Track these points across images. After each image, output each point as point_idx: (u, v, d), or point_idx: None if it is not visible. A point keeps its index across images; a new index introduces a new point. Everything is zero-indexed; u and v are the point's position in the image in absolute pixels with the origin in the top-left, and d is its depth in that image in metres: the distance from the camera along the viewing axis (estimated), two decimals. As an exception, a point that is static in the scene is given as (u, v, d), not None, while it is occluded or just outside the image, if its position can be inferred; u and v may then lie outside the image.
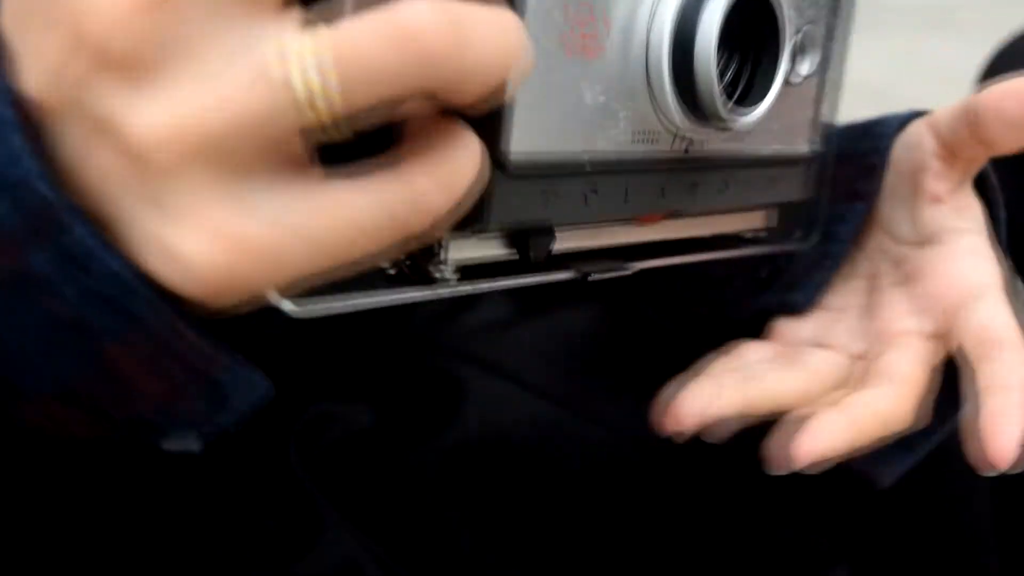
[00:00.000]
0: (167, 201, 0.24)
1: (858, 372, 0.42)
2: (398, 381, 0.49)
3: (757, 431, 0.44)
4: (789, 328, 0.44)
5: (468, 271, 0.32)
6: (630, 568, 0.47)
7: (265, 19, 0.23)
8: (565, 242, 0.35)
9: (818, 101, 0.41)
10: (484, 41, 0.23)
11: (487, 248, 0.33)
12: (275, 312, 0.26)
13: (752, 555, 0.49)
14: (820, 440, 0.37)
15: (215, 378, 0.27)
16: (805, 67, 0.39)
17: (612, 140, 0.33)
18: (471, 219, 0.29)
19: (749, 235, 0.44)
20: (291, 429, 0.44)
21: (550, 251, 0.34)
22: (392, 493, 0.46)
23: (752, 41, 0.35)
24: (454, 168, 0.25)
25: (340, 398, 0.47)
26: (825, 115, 0.42)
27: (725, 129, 0.35)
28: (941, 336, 0.41)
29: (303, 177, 0.24)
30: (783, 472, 0.37)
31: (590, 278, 0.36)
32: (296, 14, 0.24)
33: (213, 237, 0.24)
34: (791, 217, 0.44)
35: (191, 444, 0.28)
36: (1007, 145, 0.41)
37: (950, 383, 0.40)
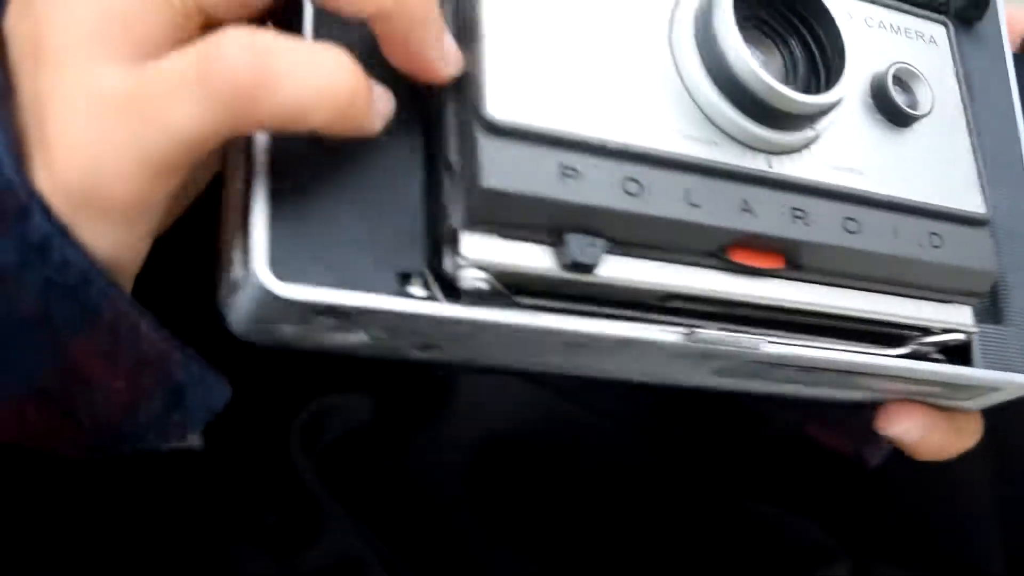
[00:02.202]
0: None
1: None
2: (397, 372, 0.49)
3: (757, 426, 0.44)
4: None
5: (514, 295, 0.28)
6: (631, 560, 0.47)
7: None
8: (632, 271, 0.29)
9: (976, 151, 0.34)
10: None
11: (520, 253, 0.28)
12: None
13: (754, 549, 0.49)
14: None
15: (171, 374, 0.27)
16: (921, 103, 0.33)
17: (650, 134, 0.29)
18: (469, 184, 0.26)
19: (946, 336, 0.34)
20: (292, 423, 0.44)
21: (594, 264, 0.28)
22: (394, 487, 0.46)
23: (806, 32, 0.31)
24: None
25: (340, 390, 0.47)
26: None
27: (797, 127, 0.30)
28: None
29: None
30: None
31: (695, 336, 0.30)
32: None
33: (78, 97, 0.24)
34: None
35: (158, 446, 0.29)
36: None
37: None
